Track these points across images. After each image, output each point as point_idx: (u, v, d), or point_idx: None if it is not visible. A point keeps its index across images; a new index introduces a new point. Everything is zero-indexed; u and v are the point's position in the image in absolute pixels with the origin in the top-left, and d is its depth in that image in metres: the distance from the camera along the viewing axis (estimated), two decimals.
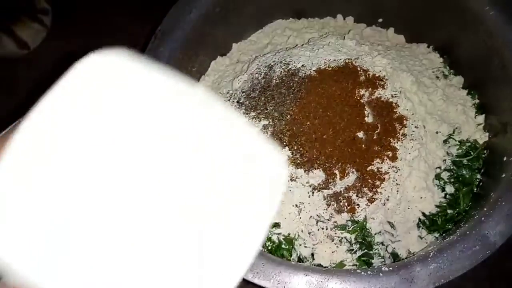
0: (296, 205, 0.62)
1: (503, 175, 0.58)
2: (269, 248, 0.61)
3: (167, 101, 0.25)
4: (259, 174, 0.26)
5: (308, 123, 0.61)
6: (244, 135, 0.27)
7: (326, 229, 0.62)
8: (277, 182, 0.27)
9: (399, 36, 0.81)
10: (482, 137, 0.68)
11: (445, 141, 0.67)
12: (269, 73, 0.67)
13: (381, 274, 0.52)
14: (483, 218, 0.54)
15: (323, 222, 0.62)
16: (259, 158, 0.27)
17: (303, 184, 0.61)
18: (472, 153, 0.67)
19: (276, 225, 0.62)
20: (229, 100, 0.69)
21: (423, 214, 0.64)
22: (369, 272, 0.52)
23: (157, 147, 0.24)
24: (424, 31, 0.78)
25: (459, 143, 0.68)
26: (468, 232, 0.54)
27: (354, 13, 0.82)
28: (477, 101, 0.71)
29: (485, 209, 0.55)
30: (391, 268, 0.52)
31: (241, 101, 0.67)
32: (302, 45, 0.73)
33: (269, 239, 0.61)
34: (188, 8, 0.69)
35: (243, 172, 0.26)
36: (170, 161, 0.24)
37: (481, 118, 0.69)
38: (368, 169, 0.61)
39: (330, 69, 0.64)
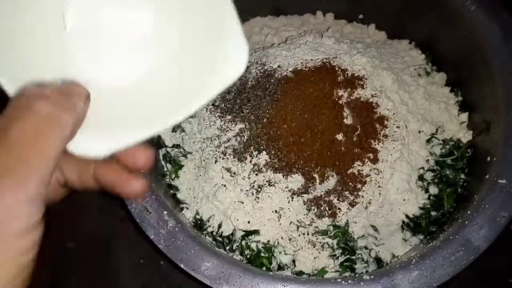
0: (276, 211, 0.60)
1: (487, 176, 0.56)
2: (248, 256, 0.59)
3: None
4: None
5: (285, 126, 0.59)
6: None
7: (307, 234, 0.60)
8: None
9: (380, 32, 0.79)
10: (466, 136, 0.66)
11: (428, 141, 0.65)
12: (244, 74, 0.64)
13: (362, 283, 0.50)
14: (466, 222, 0.53)
15: (304, 227, 0.60)
16: None
17: (282, 189, 0.59)
18: (455, 152, 0.65)
19: (255, 232, 0.60)
20: None
21: (407, 216, 0.62)
22: (349, 281, 0.50)
23: None
24: (405, 27, 0.76)
25: (442, 142, 0.66)
26: (451, 237, 0.52)
27: (334, 10, 0.80)
28: (460, 98, 0.69)
29: (469, 212, 0.54)
30: (372, 277, 0.51)
31: (216, 103, 0.64)
32: (279, 44, 0.70)
33: (248, 247, 0.59)
34: None
35: None
36: None
37: (464, 116, 0.67)
38: (348, 172, 0.59)
39: (307, 69, 0.61)
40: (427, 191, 0.63)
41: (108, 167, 0.30)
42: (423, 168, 0.64)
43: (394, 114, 0.63)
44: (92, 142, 0.28)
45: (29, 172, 0.24)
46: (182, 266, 0.50)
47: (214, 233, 0.61)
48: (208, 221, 0.61)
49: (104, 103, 0.29)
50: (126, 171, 0.30)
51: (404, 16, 0.75)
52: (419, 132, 0.65)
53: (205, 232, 0.61)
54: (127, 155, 0.29)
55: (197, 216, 0.62)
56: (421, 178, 0.63)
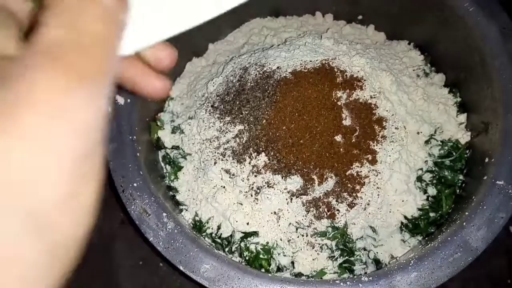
0: (275, 212, 0.60)
1: (485, 177, 0.56)
2: (247, 258, 0.59)
3: None
4: None
5: (284, 127, 0.59)
6: None
7: (306, 236, 0.60)
8: None
9: (379, 33, 0.79)
10: (464, 137, 0.66)
11: (426, 142, 0.66)
12: (244, 76, 0.64)
13: (360, 285, 0.50)
14: (464, 223, 0.53)
15: (302, 229, 0.60)
16: None
17: (281, 191, 0.59)
18: (454, 153, 0.65)
19: (254, 233, 0.60)
20: (204, 103, 0.67)
21: (405, 217, 0.62)
22: (348, 282, 0.51)
23: None
24: (404, 28, 0.76)
25: (441, 143, 0.66)
26: (449, 238, 0.52)
27: (333, 11, 0.80)
28: (458, 99, 0.69)
29: (467, 213, 0.54)
30: (370, 278, 0.51)
31: (215, 105, 0.64)
32: (279, 45, 0.70)
33: (247, 249, 0.59)
34: None
35: None
36: None
37: (463, 117, 0.68)
38: (347, 173, 0.59)
39: (306, 70, 0.61)
40: (425, 192, 0.63)
41: (130, 64, 0.28)
42: (421, 169, 0.64)
43: (392, 115, 0.63)
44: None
45: (105, 79, 0.21)
46: (181, 268, 0.51)
47: (213, 234, 0.61)
48: (207, 222, 0.61)
49: None
50: (147, 68, 0.29)
51: (403, 17, 0.75)
52: (418, 133, 0.65)
53: (204, 233, 0.61)
54: (151, 53, 0.28)
55: (196, 218, 0.62)
56: (419, 179, 0.64)
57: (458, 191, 0.64)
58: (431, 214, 0.62)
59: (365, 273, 0.57)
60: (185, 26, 0.27)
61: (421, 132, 0.65)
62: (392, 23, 0.77)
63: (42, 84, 0.19)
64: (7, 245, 0.18)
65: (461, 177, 0.64)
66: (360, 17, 0.80)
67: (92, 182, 0.21)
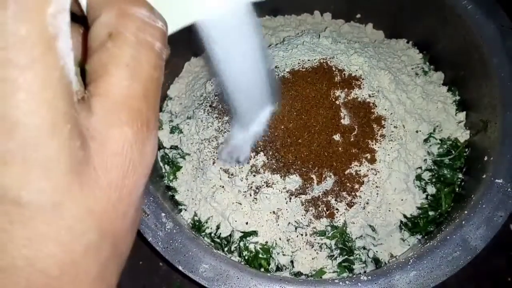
0: (274, 212, 0.60)
1: (484, 176, 0.56)
2: (246, 258, 0.59)
3: None
4: None
5: (282, 127, 0.59)
6: None
7: (305, 235, 0.60)
8: None
9: (378, 31, 0.79)
10: (463, 135, 0.66)
11: (425, 140, 0.66)
12: None
13: (359, 284, 0.50)
14: (463, 222, 0.53)
15: (302, 228, 0.60)
16: None
17: (279, 190, 0.59)
18: (453, 152, 0.65)
19: (253, 233, 0.60)
20: (202, 103, 0.67)
21: (405, 216, 0.62)
22: (347, 282, 0.51)
23: None
24: (403, 26, 0.76)
25: (440, 142, 0.66)
26: (448, 237, 0.52)
27: (332, 9, 0.80)
28: (457, 97, 0.69)
29: (466, 212, 0.54)
30: (369, 277, 0.51)
31: (214, 105, 0.64)
32: (277, 44, 0.70)
33: (246, 248, 0.59)
34: None
35: None
36: None
37: (462, 115, 0.67)
38: (346, 172, 0.59)
39: (304, 70, 0.61)
40: (424, 190, 0.63)
41: None
42: (420, 167, 0.64)
43: (391, 114, 0.63)
44: None
45: None
46: (180, 268, 0.51)
47: (213, 234, 0.61)
48: (206, 222, 0.61)
49: None
50: None
51: (402, 15, 0.75)
52: (417, 131, 0.65)
53: (204, 233, 0.61)
54: None
55: (195, 218, 0.62)
56: (418, 178, 0.63)
57: (457, 189, 0.63)
58: (431, 213, 0.62)
59: (365, 272, 0.57)
60: (180, 24, 0.27)
61: (420, 131, 0.65)
62: (391, 21, 0.77)
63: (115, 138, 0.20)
64: None
65: (460, 175, 0.64)
66: (358, 15, 0.80)
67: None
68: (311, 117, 0.59)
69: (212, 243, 0.60)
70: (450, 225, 0.55)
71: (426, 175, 0.64)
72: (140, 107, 0.20)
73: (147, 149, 0.21)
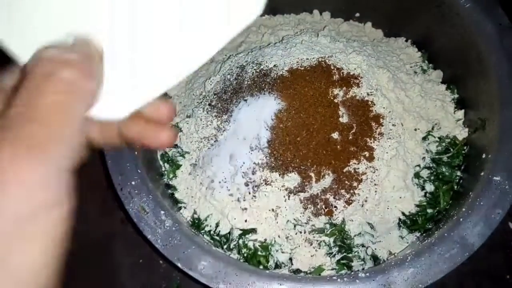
0: (273, 210, 0.60)
1: (482, 173, 0.56)
2: (245, 255, 0.59)
3: None
4: None
5: (281, 125, 0.59)
6: None
7: (304, 232, 0.60)
8: None
9: (376, 30, 0.79)
10: (461, 133, 0.66)
11: (424, 138, 0.66)
12: (241, 74, 0.65)
13: (357, 281, 0.51)
14: (461, 219, 0.53)
15: (300, 226, 0.60)
16: None
17: (278, 188, 0.59)
18: (451, 150, 0.65)
19: (252, 230, 0.60)
20: (201, 102, 0.67)
21: (403, 214, 0.62)
22: (345, 278, 0.51)
23: None
24: (401, 25, 0.76)
25: (438, 140, 0.66)
26: (446, 234, 0.52)
27: (331, 8, 0.80)
28: (456, 95, 0.69)
29: (464, 209, 0.54)
30: (367, 274, 0.51)
31: (213, 103, 0.65)
32: (275, 43, 0.70)
33: (245, 245, 0.60)
34: None
35: None
36: None
37: (460, 114, 0.68)
38: (344, 170, 0.59)
39: (302, 68, 0.62)
40: (423, 188, 0.64)
41: (132, 122, 0.30)
42: (419, 165, 0.64)
43: (390, 112, 0.63)
44: (113, 104, 0.27)
45: (58, 145, 0.23)
46: (179, 265, 0.51)
47: (212, 232, 0.61)
48: (206, 220, 0.62)
49: (118, 61, 0.28)
50: (151, 124, 0.30)
51: (400, 14, 0.75)
52: (415, 129, 0.65)
53: (203, 231, 0.61)
54: (150, 109, 0.30)
55: (195, 216, 0.62)
56: (417, 175, 0.64)
57: (455, 187, 0.64)
58: (429, 211, 0.62)
59: (363, 269, 0.57)
60: (168, 84, 0.29)
61: (419, 129, 0.66)
62: (390, 20, 0.77)
63: None
64: None
65: (458, 173, 0.64)
66: (357, 14, 0.80)
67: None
68: (310, 115, 0.59)
69: (212, 241, 0.60)
70: (448, 222, 0.55)
71: (425, 173, 0.64)
72: (23, 130, 0.23)
73: (23, 167, 0.22)
